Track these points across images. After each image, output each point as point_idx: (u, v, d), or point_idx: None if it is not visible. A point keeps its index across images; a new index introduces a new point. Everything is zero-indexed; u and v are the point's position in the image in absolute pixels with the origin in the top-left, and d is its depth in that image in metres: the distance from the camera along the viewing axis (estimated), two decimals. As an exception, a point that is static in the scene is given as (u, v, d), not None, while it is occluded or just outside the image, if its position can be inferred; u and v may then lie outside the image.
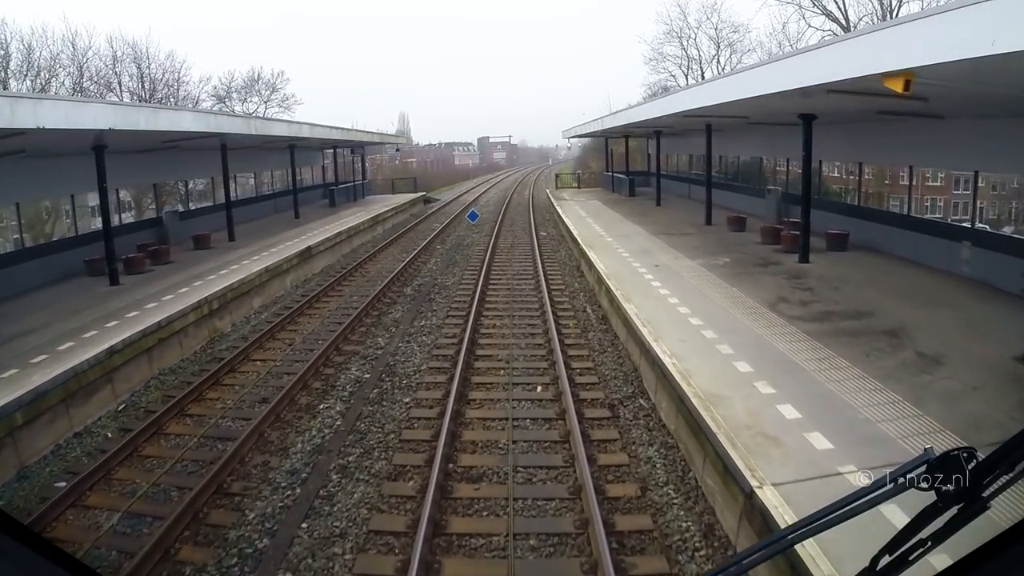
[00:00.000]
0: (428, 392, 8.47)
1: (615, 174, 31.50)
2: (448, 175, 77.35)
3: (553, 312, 11.63)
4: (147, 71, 37.92)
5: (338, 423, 7.81)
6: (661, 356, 7.19)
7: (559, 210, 24.22)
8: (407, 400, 8.23)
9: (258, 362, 10.36)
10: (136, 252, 15.66)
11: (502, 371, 9.08)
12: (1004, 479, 0.87)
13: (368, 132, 28.18)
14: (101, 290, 13.10)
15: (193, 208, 21.54)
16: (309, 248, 16.96)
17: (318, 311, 13.12)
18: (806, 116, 12.32)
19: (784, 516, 4.37)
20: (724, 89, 10.06)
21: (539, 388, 8.42)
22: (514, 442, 7.00)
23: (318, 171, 33.38)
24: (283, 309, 13.46)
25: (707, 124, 17.28)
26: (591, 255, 13.82)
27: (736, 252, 13.85)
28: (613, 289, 10.54)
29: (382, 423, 7.65)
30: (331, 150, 33.91)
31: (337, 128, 22.42)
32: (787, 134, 17.22)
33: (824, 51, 6.85)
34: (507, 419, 7.55)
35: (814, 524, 0.97)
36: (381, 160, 69.46)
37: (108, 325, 10.34)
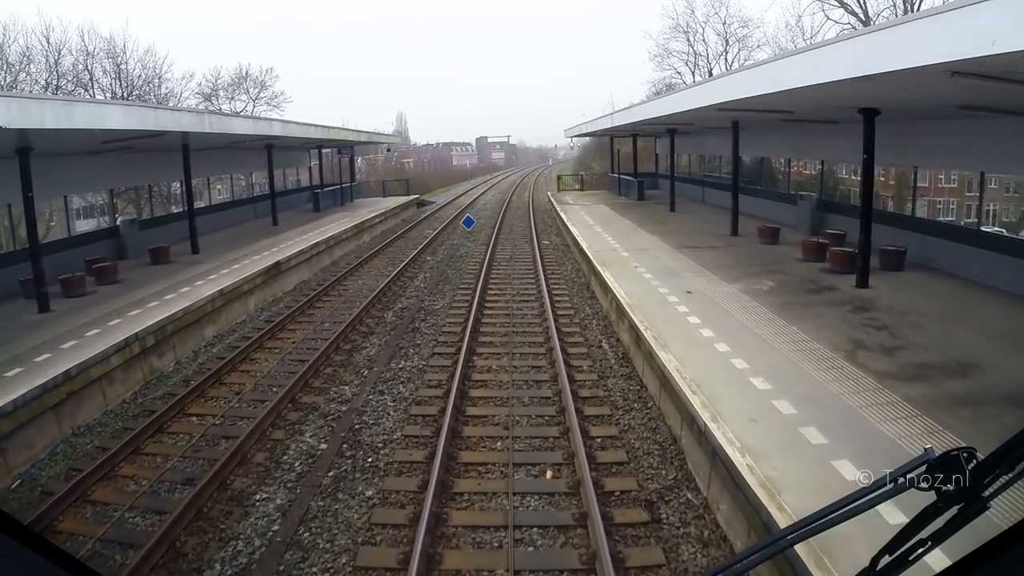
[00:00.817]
0: (400, 480, 6.35)
1: (622, 176, 29.36)
2: (444, 176, 75.20)
3: (563, 350, 9.53)
4: (124, 67, 35.88)
5: (274, 529, 5.70)
6: (727, 448, 5.07)
7: (563, 216, 22.09)
8: (370, 493, 6.10)
9: (194, 418, 8.27)
10: (78, 270, 13.54)
11: (499, 443, 6.97)
12: (1004, 479, 0.85)
13: (354, 130, 25.77)
14: (27, 319, 11.00)
15: (158, 216, 19.41)
16: (279, 264, 14.82)
17: (280, 344, 11.00)
18: (868, 111, 10.22)
19: None
20: (791, 72, 7.92)
21: (549, 474, 6.32)
22: (516, 573, 4.90)
23: (308, 172, 31.24)
24: (240, 340, 11.37)
25: (734, 120, 15.18)
26: (606, 275, 11.71)
27: (778, 272, 11.74)
28: (641, 328, 8.41)
29: (333, 533, 5.53)
30: (318, 150, 31.86)
31: (316, 126, 20.24)
32: (825, 133, 15.16)
33: (964, 12, 4.74)
34: (506, 527, 5.45)
35: (814, 524, 0.96)
36: (378, 161, 67.29)
37: (9, 374, 8.25)
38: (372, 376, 9.16)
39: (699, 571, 4.83)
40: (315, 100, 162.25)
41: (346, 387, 8.85)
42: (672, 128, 20.71)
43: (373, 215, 24.43)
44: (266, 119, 18.44)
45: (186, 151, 16.35)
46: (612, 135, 29.87)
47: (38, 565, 0.79)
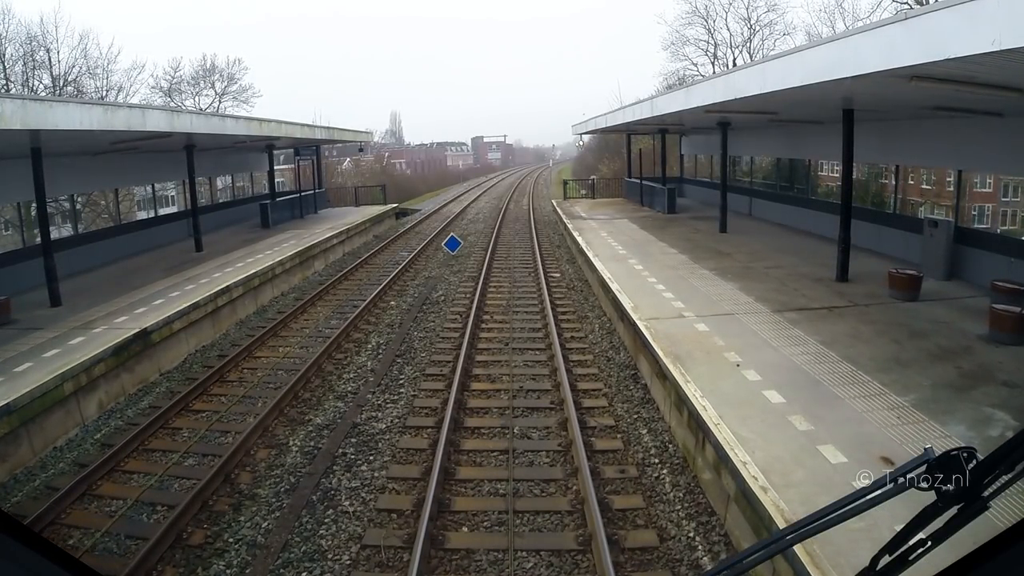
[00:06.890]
0: None
1: (644, 181, 24.07)
2: (436, 178, 69.80)
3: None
4: (56, 57, 30.66)
5: None
6: None
7: (578, 238, 16.81)
8: None
9: None
10: None
11: None
12: (1004, 479, 0.83)
13: (303, 125, 19.44)
14: None
15: (29, 246, 14.01)
16: (145, 333, 9.53)
17: (90, 518, 5.76)
18: None
19: None
20: None
21: None
22: None
23: (270, 178, 25.88)
24: (34, 498, 6.18)
25: (848, 107, 9.99)
26: (693, 395, 6.36)
27: (983, 378, 6.43)
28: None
29: None
30: (288, 151, 26.58)
31: (238, 118, 14.78)
32: (975, 128, 10.05)
33: None
34: None
35: (814, 524, 0.93)
36: (367, 164, 61.89)
37: None
38: None
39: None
40: (312, 100, 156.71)
41: None
42: (725, 121, 15.48)
43: (332, 234, 19.14)
44: (115, 105, 12.98)
45: (36, 156, 11.17)
46: (631, 131, 24.62)
47: (38, 565, 0.76)
